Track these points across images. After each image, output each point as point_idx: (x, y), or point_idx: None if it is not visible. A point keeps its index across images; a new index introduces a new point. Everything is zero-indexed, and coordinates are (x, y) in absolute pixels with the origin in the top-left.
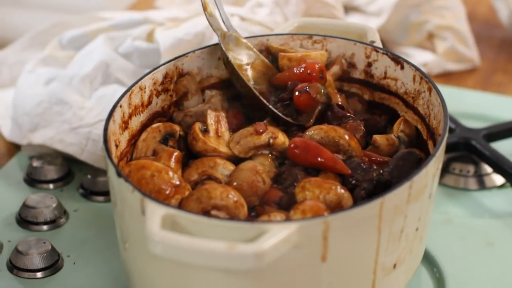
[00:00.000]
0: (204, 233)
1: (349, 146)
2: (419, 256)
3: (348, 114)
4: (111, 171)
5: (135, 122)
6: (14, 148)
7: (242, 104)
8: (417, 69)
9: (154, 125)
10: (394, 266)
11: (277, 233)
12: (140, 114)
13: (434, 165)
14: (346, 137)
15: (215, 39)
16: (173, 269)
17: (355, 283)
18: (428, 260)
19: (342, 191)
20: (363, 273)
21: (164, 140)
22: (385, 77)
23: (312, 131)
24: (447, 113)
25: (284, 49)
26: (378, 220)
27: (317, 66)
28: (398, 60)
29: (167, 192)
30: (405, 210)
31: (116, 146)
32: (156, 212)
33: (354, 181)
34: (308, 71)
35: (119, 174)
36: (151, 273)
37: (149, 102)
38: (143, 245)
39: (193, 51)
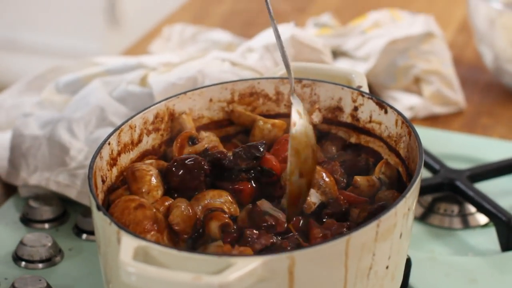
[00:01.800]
0: (175, 264)
1: (324, 182)
2: None
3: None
4: (93, 205)
5: (125, 160)
6: (11, 189)
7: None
8: (399, 113)
9: (148, 161)
10: None
11: (243, 267)
12: (129, 151)
13: (404, 206)
14: (323, 173)
15: (207, 83)
16: None
17: None
18: None
19: None
20: None
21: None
22: (370, 121)
23: None
24: (422, 156)
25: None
26: (345, 257)
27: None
28: (382, 105)
29: (146, 226)
30: (373, 248)
31: (103, 181)
32: (129, 243)
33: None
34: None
35: (98, 208)
36: None
37: (139, 141)
38: (124, 285)
39: (184, 93)
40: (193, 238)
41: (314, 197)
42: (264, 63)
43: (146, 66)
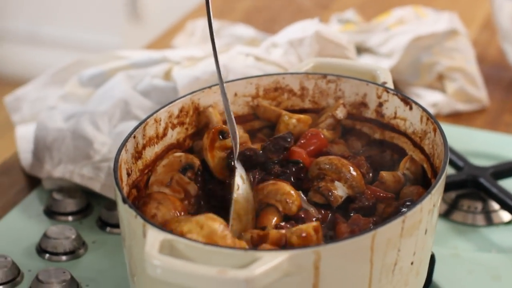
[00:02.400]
0: (200, 258)
1: (351, 175)
2: None
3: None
4: (118, 198)
5: (149, 153)
6: (35, 181)
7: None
8: (424, 110)
9: (177, 154)
10: None
11: (269, 261)
12: (154, 145)
13: (429, 202)
14: (350, 167)
15: (230, 78)
16: None
17: None
18: None
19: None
20: None
21: (183, 170)
22: (395, 117)
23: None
24: (447, 153)
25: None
26: (371, 252)
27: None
28: (407, 101)
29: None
30: (398, 244)
31: (128, 174)
32: (155, 236)
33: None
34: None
35: (124, 201)
36: None
37: (164, 134)
38: (149, 278)
39: (209, 87)
40: None
41: (341, 191)
42: (288, 59)
43: (170, 60)
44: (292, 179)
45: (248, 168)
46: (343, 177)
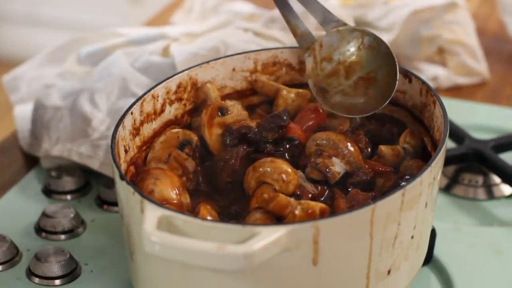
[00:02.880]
0: (198, 233)
1: (348, 151)
2: (416, 264)
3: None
4: (116, 175)
5: (147, 129)
6: (33, 160)
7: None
8: (423, 82)
9: (174, 130)
10: (388, 272)
11: (267, 236)
12: (152, 121)
13: (429, 175)
14: (347, 143)
15: (229, 53)
16: (178, 279)
17: (348, 287)
18: (437, 267)
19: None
20: (355, 277)
21: (181, 146)
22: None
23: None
24: (447, 125)
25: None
26: (370, 226)
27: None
28: (406, 74)
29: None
30: (398, 217)
31: (126, 151)
32: (153, 213)
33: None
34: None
35: (121, 177)
36: (156, 282)
37: (162, 110)
38: (148, 255)
39: (207, 62)
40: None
41: (338, 167)
42: (287, 33)
43: (168, 36)
44: (287, 156)
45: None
46: (341, 153)
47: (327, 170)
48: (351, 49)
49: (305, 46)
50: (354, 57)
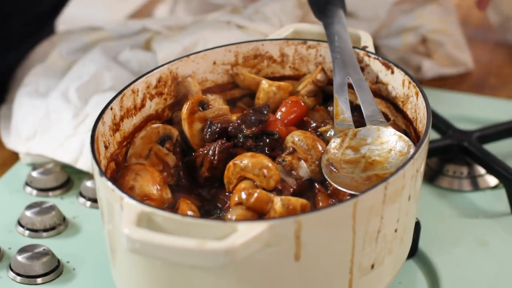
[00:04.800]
0: (179, 230)
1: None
2: (401, 258)
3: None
4: (95, 172)
5: (127, 125)
6: (15, 156)
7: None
8: (406, 73)
9: (154, 125)
10: (372, 266)
11: (248, 232)
12: (133, 116)
13: (412, 167)
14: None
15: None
16: (160, 276)
17: (331, 282)
18: (422, 260)
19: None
20: (339, 272)
21: (162, 141)
22: (376, 82)
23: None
24: (430, 116)
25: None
26: (353, 220)
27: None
28: (388, 65)
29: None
30: (381, 211)
31: (106, 147)
32: (132, 209)
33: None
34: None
35: (101, 174)
36: (138, 280)
37: (142, 105)
38: (129, 253)
39: (187, 56)
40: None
41: (303, 171)
42: (270, 25)
43: (150, 29)
44: (267, 151)
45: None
46: (310, 159)
47: (292, 171)
48: (381, 151)
49: (339, 129)
50: (379, 158)
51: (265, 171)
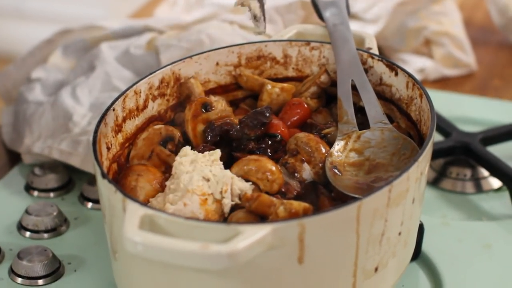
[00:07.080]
0: (181, 233)
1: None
2: (404, 261)
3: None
4: (98, 173)
5: (130, 126)
6: (16, 157)
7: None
8: (409, 75)
9: (156, 127)
10: (376, 269)
11: (251, 235)
12: (135, 118)
13: (416, 170)
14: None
15: (214, 47)
16: (161, 279)
17: (335, 285)
18: (426, 262)
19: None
20: (342, 275)
21: (164, 142)
22: (380, 84)
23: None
24: (434, 118)
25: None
26: (356, 223)
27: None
28: (392, 67)
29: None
30: (385, 214)
31: (108, 148)
32: (135, 212)
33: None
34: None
35: (103, 175)
36: (140, 282)
37: (145, 106)
38: (131, 255)
39: (190, 57)
40: None
41: (306, 174)
42: (273, 26)
43: (153, 29)
44: (269, 153)
45: (224, 143)
46: (313, 162)
47: (295, 173)
48: (385, 154)
49: (344, 131)
50: (383, 160)
51: (268, 174)
